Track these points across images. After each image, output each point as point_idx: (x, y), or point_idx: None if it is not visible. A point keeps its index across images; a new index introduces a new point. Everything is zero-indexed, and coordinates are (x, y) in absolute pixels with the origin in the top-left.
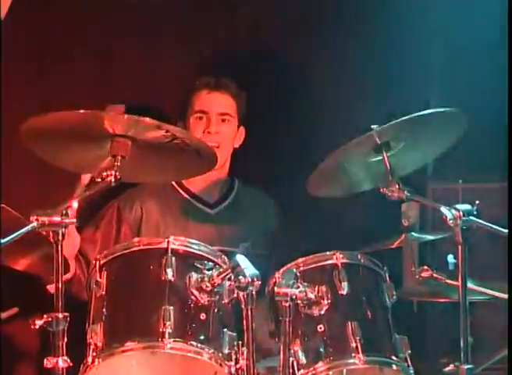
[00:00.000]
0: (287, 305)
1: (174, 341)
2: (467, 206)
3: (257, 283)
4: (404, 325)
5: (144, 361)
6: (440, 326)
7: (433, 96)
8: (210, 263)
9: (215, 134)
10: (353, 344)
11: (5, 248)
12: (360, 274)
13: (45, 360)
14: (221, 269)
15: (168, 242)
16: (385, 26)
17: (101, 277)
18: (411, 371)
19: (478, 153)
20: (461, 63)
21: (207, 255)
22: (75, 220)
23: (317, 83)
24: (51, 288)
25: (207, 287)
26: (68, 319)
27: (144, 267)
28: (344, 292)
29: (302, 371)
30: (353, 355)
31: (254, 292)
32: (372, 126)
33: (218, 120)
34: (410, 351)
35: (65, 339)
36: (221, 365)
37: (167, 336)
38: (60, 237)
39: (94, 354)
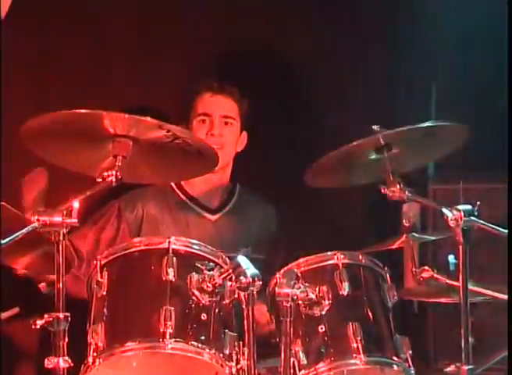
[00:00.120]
0: (288, 305)
1: (175, 341)
2: (468, 207)
3: (258, 283)
4: (405, 325)
5: (144, 361)
6: (441, 326)
7: (437, 94)
8: (211, 264)
9: (217, 137)
10: (354, 345)
11: (5, 247)
12: (361, 275)
13: (46, 360)
14: (222, 270)
15: (169, 242)
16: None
17: (102, 277)
18: (412, 371)
19: (479, 154)
20: (463, 63)
21: (208, 256)
22: (76, 220)
23: (319, 86)
24: (42, 287)
25: (208, 287)
26: (69, 319)
27: (145, 267)
28: (345, 292)
29: (303, 371)
30: (354, 355)
31: (255, 292)
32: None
33: (221, 123)
34: (411, 352)
35: (66, 339)
36: (222, 365)
37: (168, 336)
38: (61, 237)
39: (95, 354)
